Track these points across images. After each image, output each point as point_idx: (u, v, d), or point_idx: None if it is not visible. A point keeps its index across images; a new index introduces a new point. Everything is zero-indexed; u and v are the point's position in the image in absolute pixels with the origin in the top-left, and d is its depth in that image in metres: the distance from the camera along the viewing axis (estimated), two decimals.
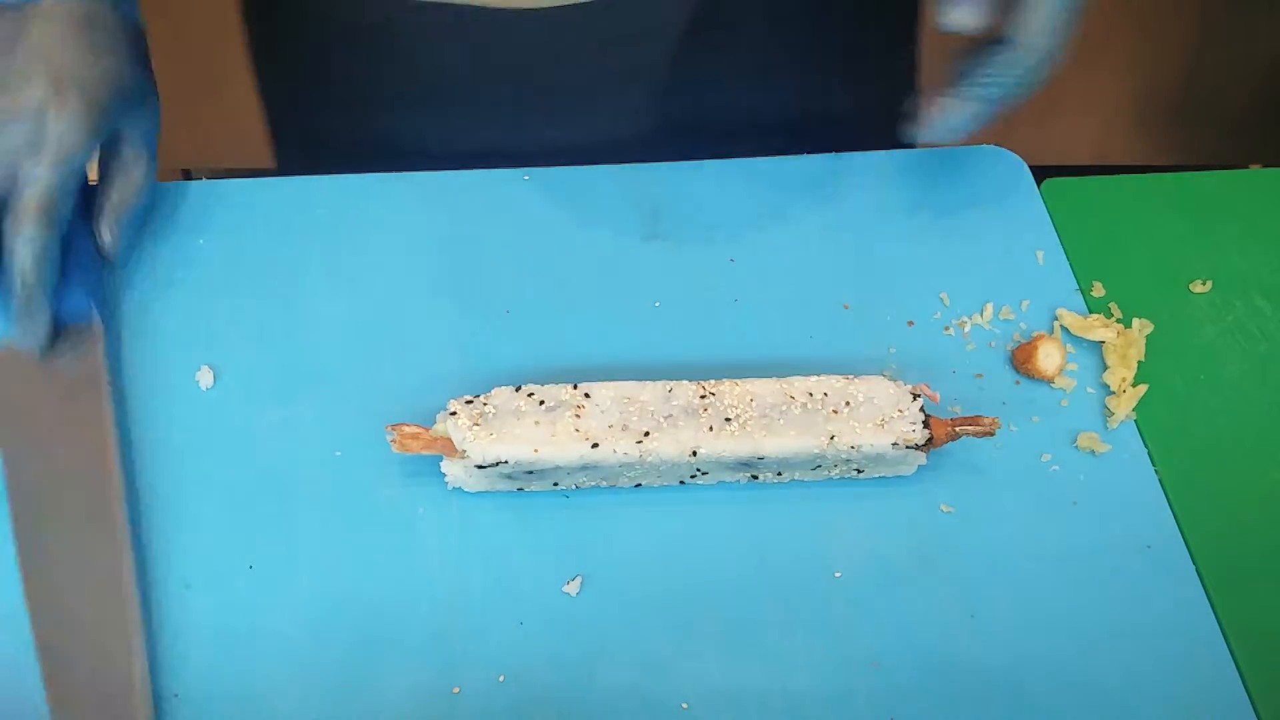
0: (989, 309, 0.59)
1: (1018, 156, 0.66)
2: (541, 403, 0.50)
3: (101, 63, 0.55)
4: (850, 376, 0.52)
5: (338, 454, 0.53)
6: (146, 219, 0.60)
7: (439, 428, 0.51)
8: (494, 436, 0.49)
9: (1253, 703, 0.47)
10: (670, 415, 0.50)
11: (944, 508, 0.52)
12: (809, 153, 0.65)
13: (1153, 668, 0.48)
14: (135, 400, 0.55)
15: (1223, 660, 0.49)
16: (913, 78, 0.77)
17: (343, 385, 0.56)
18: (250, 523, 0.51)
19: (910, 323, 0.59)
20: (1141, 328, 0.58)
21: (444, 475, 0.51)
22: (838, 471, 0.52)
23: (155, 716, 0.46)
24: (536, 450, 0.49)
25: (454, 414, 0.50)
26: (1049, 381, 0.56)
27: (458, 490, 0.52)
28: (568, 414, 0.50)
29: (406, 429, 0.51)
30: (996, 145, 0.66)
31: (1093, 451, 0.54)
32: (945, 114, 0.54)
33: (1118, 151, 1.52)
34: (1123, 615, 0.50)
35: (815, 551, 0.51)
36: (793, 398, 0.51)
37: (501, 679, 0.47)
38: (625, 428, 0.50)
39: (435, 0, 0.63)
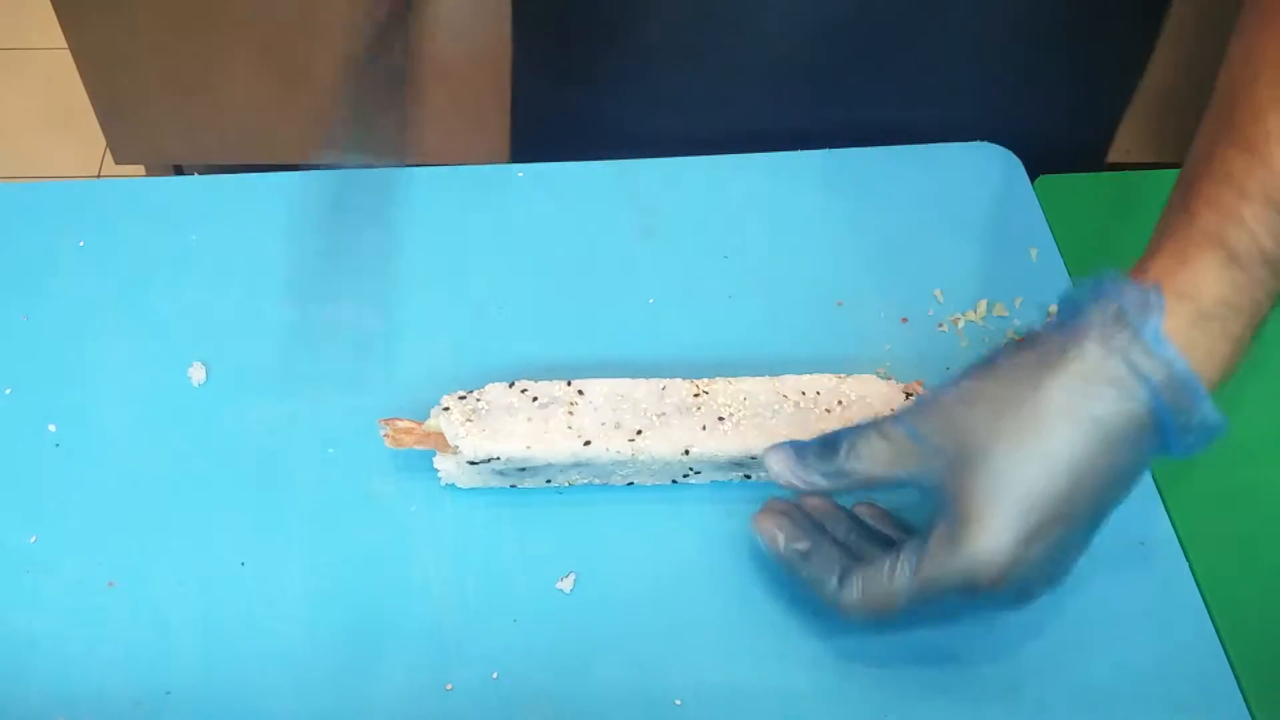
0: (983, 306, 0.59)
1: (1012, 153, 0.66)
2: (535, 399, 0.50)
3: None
4: (843, 376, 0.52)
5: (330, 450, 0.53)
6: None
7: (432, 423, 0.50)
8: (487, 432, 0.49)
9: (1245, 698, 0.47)
10: (663, 413, 0.50)
11: None
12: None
13: (1146, 663, 0.48)
14: (126, 396, 0.55)
15: (1215, 655, 0.49)
16: None
17: (335, 381, 0.55)
18: (242, 519, 0.51)
19: (904, 320, 0.59)
20: None
21: (437, 471, 0.51)
22: None
23: (147, 714, 0.46)
24: (529, 447, 0.49)
25: (447, 409, 0.50)
26: None
27: (451, 486, 0.52)
28: (561, 410, 0.50)
29: (399, 424, 0.50)
30: (991, 142, 0.66)
31: None
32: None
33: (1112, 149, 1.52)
34: (1115, 611, 0.50)
35: None
36: (785, 396, 0.51)
37: (495, 676, 0.47)
38: (618, 425, 0.50)
39: None
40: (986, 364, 0.44)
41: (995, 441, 0.42)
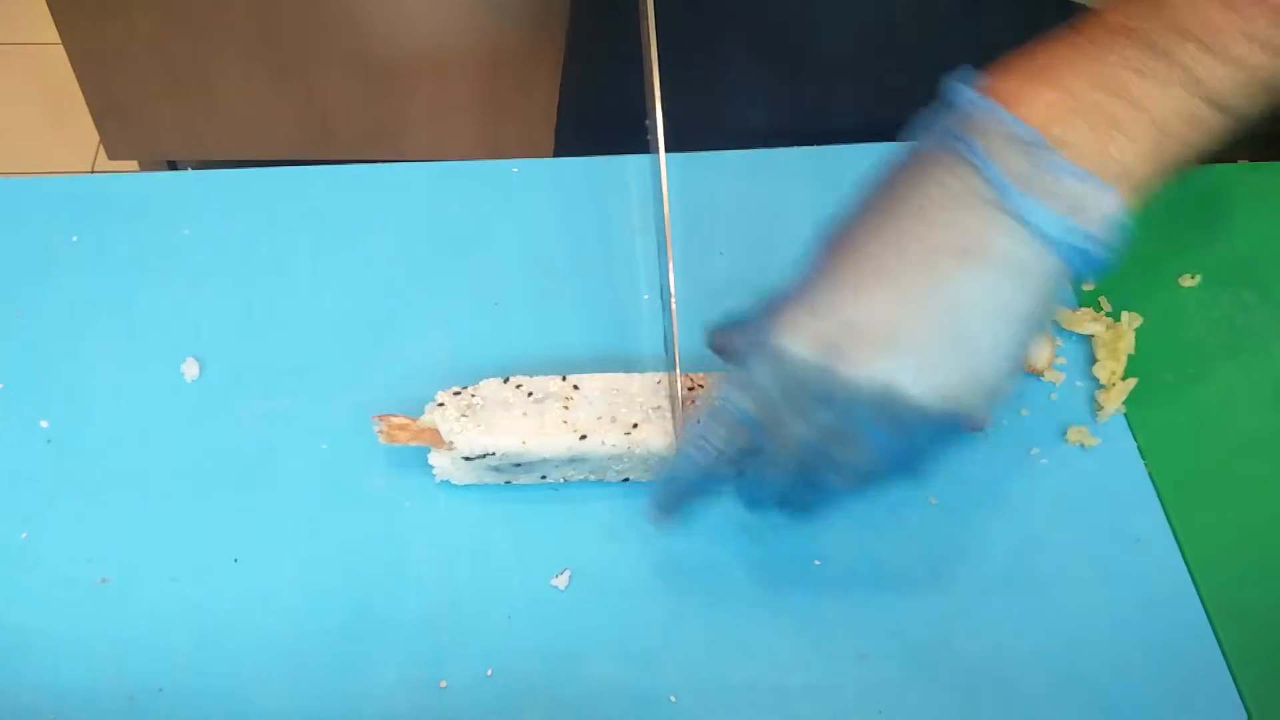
0: None
1: None
2: (530, 394, 0.50)
3: None
4: None
5: (324, 446, 0.53)
6: None
7: (426, 419, 0.50)
8: (481, 428, 0.49)
9: (1240, 694, 0.48)
10: (659, 407, 0.50)
11: (932, 500, 0.52)
12: None
13: (1140, 659, 0.48)
14: (119, 392, 0.54)
15: (1210, 652, 0.49)
16: None
17: (329, 376, 0.55)
18: (235, 515, 0.51)
19: None
20: (1130, 321, 0.58)
21: (431, 467, 0.51)
22: None
23: (140, 710, 0.46)
24: (524, 442, 0.49)
25: (441, 405, 0.50)
26: (1038, 375, 0.56)
27: (445, 483, 0.52)
28: (556, 405, 0.50)
29: (394, 420, 0.50)
30: None
31: (1082, 445, 0.54)
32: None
33: None
34: (1111, 607, 0.50)
35: (802, 545, 0.51)
36: None
37: (489, 673, 0.47)
38: (614, 419, 0.50)
39: None
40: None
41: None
